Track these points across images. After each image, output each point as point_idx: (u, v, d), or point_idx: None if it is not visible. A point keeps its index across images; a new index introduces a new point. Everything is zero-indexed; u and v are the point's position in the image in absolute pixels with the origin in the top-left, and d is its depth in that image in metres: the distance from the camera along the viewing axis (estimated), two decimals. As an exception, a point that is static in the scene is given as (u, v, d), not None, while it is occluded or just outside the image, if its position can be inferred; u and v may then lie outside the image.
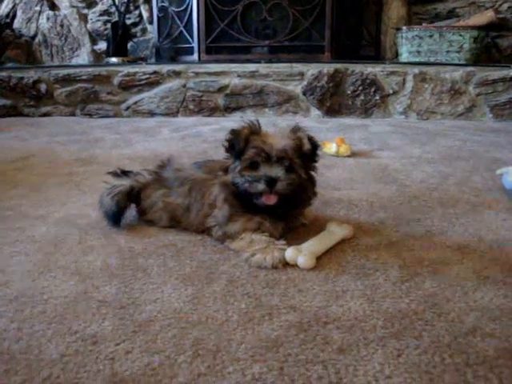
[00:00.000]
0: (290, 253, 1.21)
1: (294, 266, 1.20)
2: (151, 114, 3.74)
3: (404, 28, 3.88)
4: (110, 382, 0.80)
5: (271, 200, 1.24)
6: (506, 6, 4.13)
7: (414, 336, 0.92)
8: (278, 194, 1.24)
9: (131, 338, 0.92)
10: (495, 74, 3.42)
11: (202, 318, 0.98)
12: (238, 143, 1.27)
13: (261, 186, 1.23)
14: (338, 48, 4.04)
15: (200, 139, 2.80)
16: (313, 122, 3.42)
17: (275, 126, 3.23)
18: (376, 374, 0.81)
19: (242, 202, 1.30)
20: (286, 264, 1.21)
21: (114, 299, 1.06)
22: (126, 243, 1.36)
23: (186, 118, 3.67)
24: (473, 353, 0.87)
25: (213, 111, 3.70)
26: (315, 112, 3.61)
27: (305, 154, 1.28)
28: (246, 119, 1.34)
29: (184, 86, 3.69)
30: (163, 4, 4.27)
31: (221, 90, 3.66)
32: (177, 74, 3.70)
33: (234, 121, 3.48)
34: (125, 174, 1.55)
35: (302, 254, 1.20)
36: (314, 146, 1.31)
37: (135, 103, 3.77)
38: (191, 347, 0.88)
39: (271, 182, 1.22)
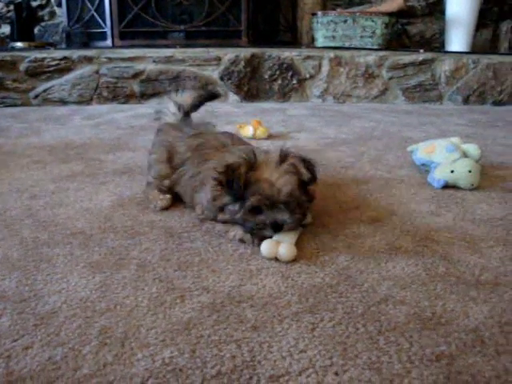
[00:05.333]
0: (267, 247, 1.11)
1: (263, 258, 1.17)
2: (63, 102, 3.55)
3: (319, 13, 3.92)
4: (4, 383, 0.73)
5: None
6: (414, -6, 4.31)
7: (329, 309, 0.92)
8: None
9: (31, 333, 0.84)
10: (406, 58, 3.54)
11: (110, 306, 0.92)
12: (237, 185, 1.15)
13: (267, 233, 1.15)
14: (254, 33, 4.01)
15: (114, 126, 2.69)
16: (231, 106, 3.39)
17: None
18: (290, 349, 0.80)
19: None
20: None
21: (13, 293, 0.98)
22: (31, 234, 1.27)
23: (100, 105, 3.52)
24: (385, 320, 0.88)
25: (128, 98, 3.57)
26: (233, 97, 3.57)
27: (304, 182, 1.21)
28: (241, 152, 1.24)
29: (97, 72, 3.53)
30: (71, -15, 4.05)
31: (136, 76, 3.53)
32: (89, 59, 3.53)
33: (151, 107, 3.38)
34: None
35: (281, 245, 1.10)
36: (312, 171, 1.23)
37: (45, 91, 3.55)
38: (97, 337, 0.83)
39: (277, 227, 1.14)
